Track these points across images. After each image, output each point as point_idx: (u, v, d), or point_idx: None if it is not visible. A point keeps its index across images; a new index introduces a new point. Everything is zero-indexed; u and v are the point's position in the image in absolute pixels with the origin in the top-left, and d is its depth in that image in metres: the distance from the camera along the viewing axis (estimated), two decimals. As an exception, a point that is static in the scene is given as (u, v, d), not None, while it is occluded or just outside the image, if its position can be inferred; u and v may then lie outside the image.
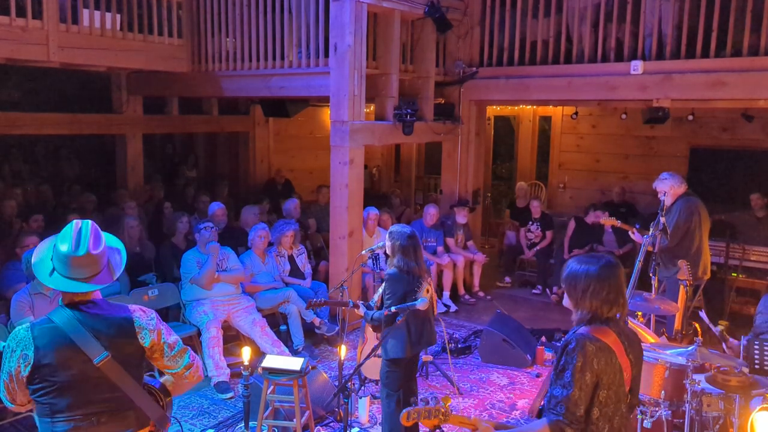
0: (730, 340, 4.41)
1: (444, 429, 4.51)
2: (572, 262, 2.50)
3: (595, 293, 2.39)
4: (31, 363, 2.31)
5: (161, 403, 2.57)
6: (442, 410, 2.52)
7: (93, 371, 2.35)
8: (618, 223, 5.94)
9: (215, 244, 5.76)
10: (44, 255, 2.47)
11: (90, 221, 2.50)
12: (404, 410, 2.54)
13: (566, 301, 2.52)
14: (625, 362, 2.38)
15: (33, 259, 2.49)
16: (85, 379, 2.36)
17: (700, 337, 3.83)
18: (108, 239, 2.56)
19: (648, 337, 4.62)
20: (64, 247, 2.40)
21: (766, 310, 4.47)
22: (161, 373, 2.69)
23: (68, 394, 2.35)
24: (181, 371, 2.59)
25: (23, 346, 2.32)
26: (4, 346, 2.36)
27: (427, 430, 2.61)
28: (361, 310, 4.32)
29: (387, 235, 4.20)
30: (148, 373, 2.67)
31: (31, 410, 2.46)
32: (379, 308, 4.16)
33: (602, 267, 2.42)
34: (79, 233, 2.42)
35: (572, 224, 8.24)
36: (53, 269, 2.41)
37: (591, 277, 2.40)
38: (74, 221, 2.47)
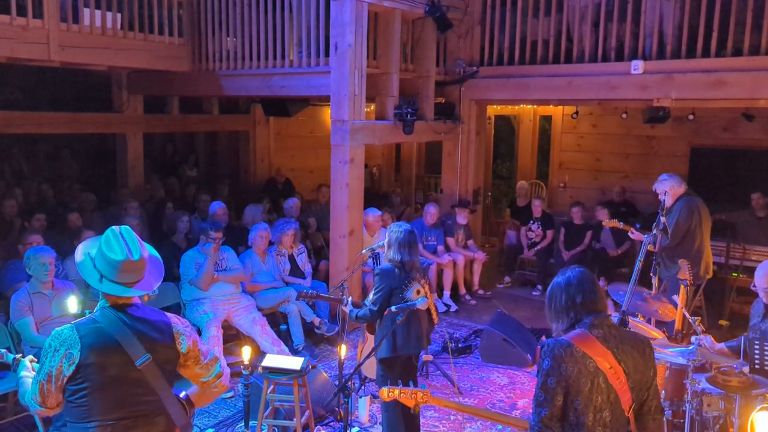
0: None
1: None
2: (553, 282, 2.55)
3: (567, 300, 2.43)
4: (76, 362, 2.31)
5: (186, 412, 2.59)
6: (421, 394, 2.61)
7: (134, 373, 2.38)
8: (620, 225, 5.92)
9: (210, 246, 5.73)
10: (87, 263, 2.48)
11: (127, 226, 2.53)
12: (383, 387, 2.64)
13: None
14: (615, 369, 2.32)
15: (76, 261, 2.50)
16: (125, 381, 2.38)
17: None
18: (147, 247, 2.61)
19: (652, 332, 4.62)
20: (118, 254, 2.42)
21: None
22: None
23: (107, 396, 2.35)
24: (212, 380, 2.61)
25: (68, 345, 2.32)
26: (45, 346, 2.36)
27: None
28: (347, 308, 4.31)
29: (387, 230, 4.21)
30: None
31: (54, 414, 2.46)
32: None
33: (569, 276, 2.47)
34: (127, 239, 2.46)
35: (562, 230, 8.39)
36: (101, 276, 2.43)
37: (561, 288, 2.46)
38: (112, 227, 2.50)
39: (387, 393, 2.62)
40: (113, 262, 2.41)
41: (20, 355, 2.73)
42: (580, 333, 2.37)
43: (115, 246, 2.44)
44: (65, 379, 2.33)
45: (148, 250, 2.56)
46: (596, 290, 2.46)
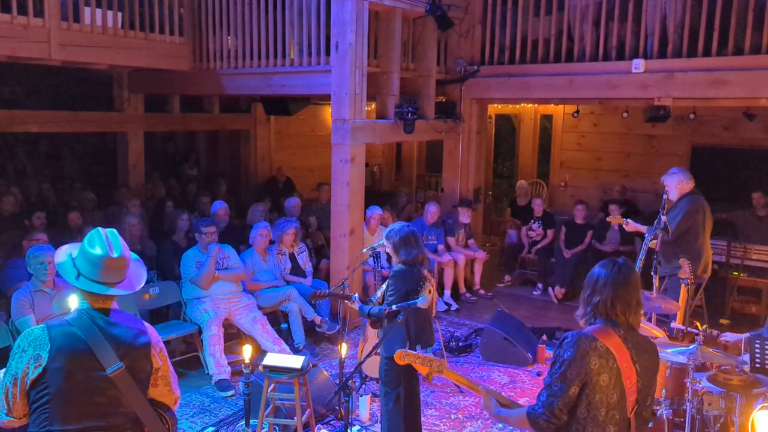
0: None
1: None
2: (595, 267, 2.49)
3: (610, 297, 2.37)
4: (43, 364, 2.21)
5: (167, 425, 2.46)
6: (437, 363, 2.64)
7: (102, 381, 2.27)
8: (630, 223, 5.88)
9: (215, 245, 5.75)
10: (66, 260, 2.42)
11: (114, 230, 2.49)
12: (399, 349, 2.66)
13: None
14: (629, 369, 2.33)
15: (56, 261, 2.46)
16: (91, 389, 2.27)
17: (701, 336, 3.82)
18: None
19: (653, 331, 4.63)
20: (98, 250, 2.37)
21: None
22: None
23: (71, 403, 2.25)
24: (173, 401, 2.54)
25: (36, 345, 2.23)
26: (14, 346, 2.27)
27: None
28: (356, 305, 4.29)
29: (384, 238, 4.11)
30: None
31: (22, 426, 2.35)
32: (380, 305, 4.14)
33: (618, 270, 2.41)
34: (109, 238, 2.42)
35: (563, 229, 8.39)
36: (78, 273, 2.37)
37: (607, 281, 2.39)
38: (98, 228, 2.46)
39: (402, 356, 2.61)
40: (94, 259, 2.35)
41: None
42: (604, 328, 2.36)
43: (96, 243, 2.39)
44: (29, 383, 2.24)
45: (132, 255, 2.51)
46: (634, 294, 2.40)
